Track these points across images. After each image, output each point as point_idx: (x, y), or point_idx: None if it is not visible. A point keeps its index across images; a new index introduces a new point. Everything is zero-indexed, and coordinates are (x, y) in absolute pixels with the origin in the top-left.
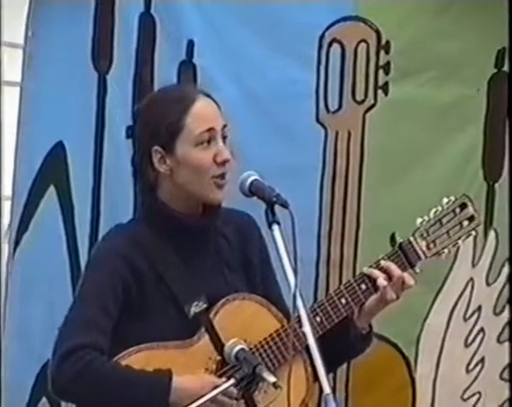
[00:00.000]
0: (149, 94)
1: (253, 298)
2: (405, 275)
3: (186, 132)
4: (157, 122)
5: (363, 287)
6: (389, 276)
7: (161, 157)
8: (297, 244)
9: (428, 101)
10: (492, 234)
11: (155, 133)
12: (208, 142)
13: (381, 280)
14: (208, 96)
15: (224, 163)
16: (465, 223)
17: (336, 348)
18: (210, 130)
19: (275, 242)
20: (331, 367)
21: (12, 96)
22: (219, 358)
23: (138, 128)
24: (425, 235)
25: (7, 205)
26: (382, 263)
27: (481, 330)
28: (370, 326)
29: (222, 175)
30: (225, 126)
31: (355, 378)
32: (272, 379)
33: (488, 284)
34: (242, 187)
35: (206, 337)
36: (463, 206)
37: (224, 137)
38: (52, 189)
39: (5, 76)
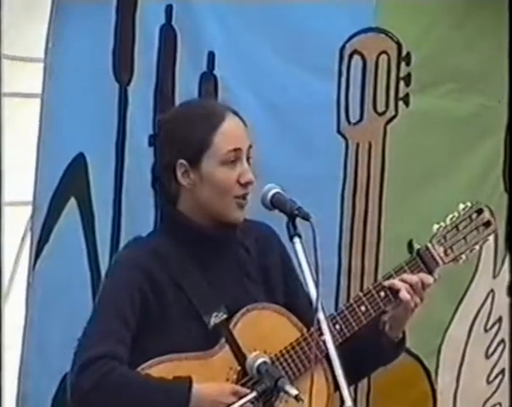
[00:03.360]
0: (175, 108)
1: (273, 307)
2: (421, 275)
3: (214, 150)
4: (184, 136)
5: (382, 294)
6: (409, 285)
7: (185, 171)
8: (318, 256)
9: (449, 112)
10: None
11: (182, 147)
12: (234, 161)
13: (404, 293)
14: (236, 114)
15: (247, 184)
16: (482, 228)
17: (367, 358)
18: (237, 150)
19: (296, 255)
20: (360, 375)
21: (32, 108)
22: (239, 368)
23: (163, 140)
24: (442, 241)
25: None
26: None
27: (502, 341)
28: (403, 334)
29: (244, 196)
30: (250, 147)
31: (376, 389)
32: (294, 392)
33: (509, 295)
34: (263, 201)
35: (226, 348)
36: (479, 212)
37: (248, 158)
38: (72, 201)
39: (25, 89)
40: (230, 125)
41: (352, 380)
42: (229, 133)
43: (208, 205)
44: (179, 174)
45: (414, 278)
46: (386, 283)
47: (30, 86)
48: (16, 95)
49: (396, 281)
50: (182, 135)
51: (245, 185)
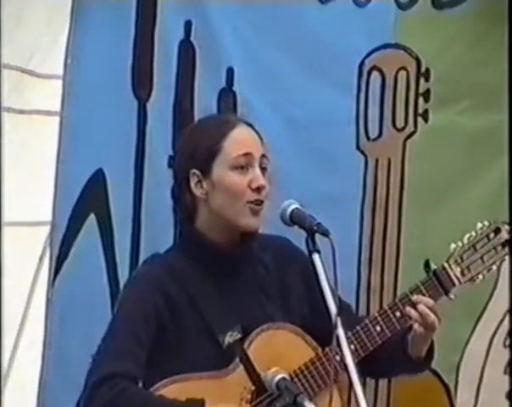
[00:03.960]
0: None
1: (288, 327)
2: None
3: (223, 155)
4: (195, 145)
5: (397, 314)
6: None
7: (198, 181)
8: (337, 272)
9: (467, 128)
10: None
11: (193, 156)
12: (245, 167)
13: (417, 326)
14: (250, 125)
15: (259, 189)
16: (499, 248)
17: (393, 366)
18: (247, 155)
19: (315, 271)
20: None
21: (51, 125)
22: (253, 388)
23: (178, 154)
24: (459, 261)
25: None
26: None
27: None
28: (431, 344)
29: (257, 202)
30: (263, 156)
31: (395, 404)
32: None
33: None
34: (282, 216)
35: (241, 367)
36: (497, 231)
37: (262, 168)
38: (92, 217)
39: (46, 106)
40: (240, 131)
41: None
42: (239, 139)
43: (222, 214)
44: (192, 184)
45: (424, 310)
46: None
47: (51, 104)
48: (37, 112)
49: (412, 312)
50: (194, 144)
51: (257, 190)
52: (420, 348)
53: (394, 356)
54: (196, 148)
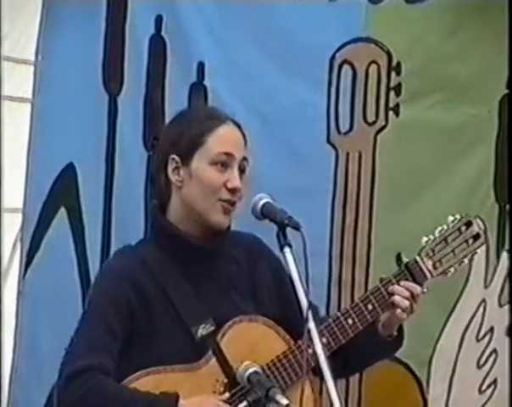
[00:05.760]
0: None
1: (261, 319)
2: (408, 284)
3: (205, 149)
4: (181, 132)
5: (369, 307)
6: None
7: (176, 167)
8: (308, 266)
9: (439, 122)
10: (504, 255)
11: (176, 142)
12: (224, 165)
13: (397, 298)
14: (238, 126)
15: (234, 190)
16: (471, 241)
17: (362, 351)
18: (228, 154)
19: (287, 265)
20: (358, 367)
21: (25, 112)
22: (226, 380)
23: (161, 136)
24: (430, 254)
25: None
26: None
27: (494, 351)
28: (400, 328)
29: (230, 202)
30: (244, 158)
31: (367, 398)
32: (285, 402)
33: (501, 305)
34: (253, 210)
35: (213, 360)
36: (468, 224)
37: (241, 170)
38: (62, 210)
39: (18, 93)
40: (227, 130)
41: (346, 373)
42: (224, 136)
43: (194, 205)
44: (170, 169)
45: (404, 292)
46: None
47: (24, 90)
48: (8, 98)
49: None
50: (179, 131)
51: (231, 191)
52: (393, 328)
53: (365, 340)
54: (180, 135)
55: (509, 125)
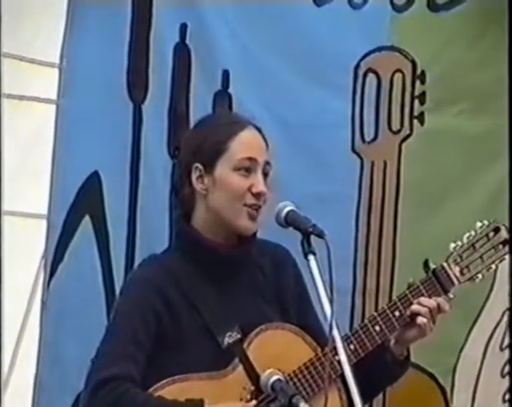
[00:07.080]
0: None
1: (287, 327)
2: (440, 300)
3: (229, 155)
4: (203, 140)
5: (396, 314)
6: (428, 309)
7: (200, 175)
8: (333, 274)
9: (464, 130)
10: None
11: (199, 150)
12: (248, 170)
13: (421, 319)
14: (259, 130)
15: (259, 195)
16: (499, 247)
17: (372, 375)
18: (252, 159)
19: (311, 273)
20: (368, 395)
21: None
22: (253, 388)
23: (184, 145)
24: (458, 260)
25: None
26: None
27: None
28: (408, 351)
29: (255, 206)
30: (267, 163)
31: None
32: None
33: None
34: (277, 218)
35: (240, 368)
36: (496, 230)
37: (264, 174)
38: (87, 219)
39: (43, 94)
40: (249, 134)
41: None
42: (246, 141)
43: (219, 212)
44: (193, 177)
45: (432, 302)
46: (408, 311)
47: (47, 91)
48: (34, 99)
49: (414, 306)
50: (201, 138)
51: (256, 195)
52: (402, 347)
53: (373, 357)
54: (203, 143)
55: None
